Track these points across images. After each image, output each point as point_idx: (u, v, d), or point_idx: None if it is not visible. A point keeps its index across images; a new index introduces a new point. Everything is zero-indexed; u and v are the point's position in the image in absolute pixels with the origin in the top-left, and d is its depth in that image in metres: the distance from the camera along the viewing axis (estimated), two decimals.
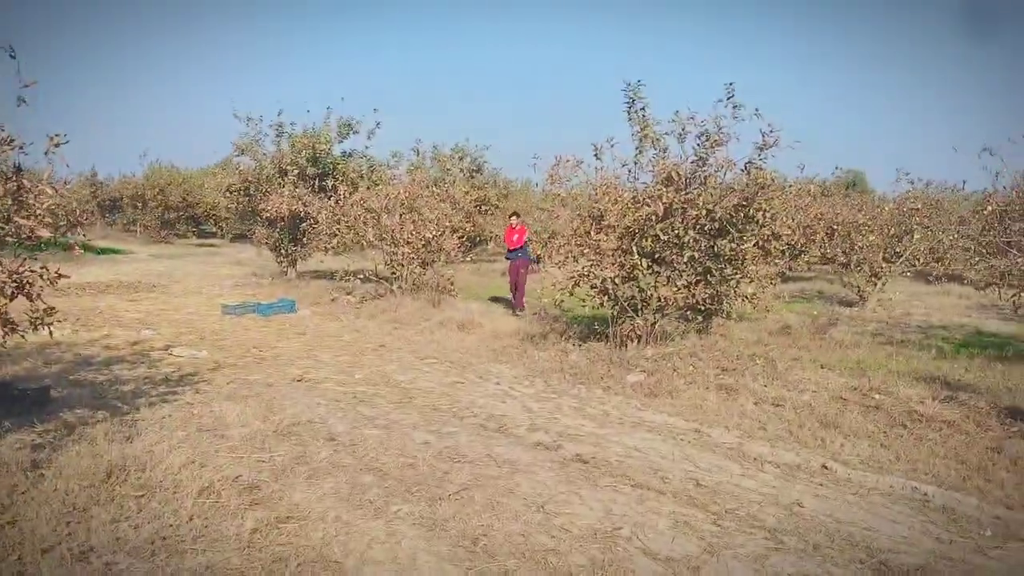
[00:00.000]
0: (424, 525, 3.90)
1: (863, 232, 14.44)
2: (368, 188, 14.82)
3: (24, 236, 4.46)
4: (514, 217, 13.68)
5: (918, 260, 14.80)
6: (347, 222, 13.70)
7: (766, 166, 8.59)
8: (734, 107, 8.34)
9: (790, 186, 11.65)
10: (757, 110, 8.32)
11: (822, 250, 15.72)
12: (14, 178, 4.42)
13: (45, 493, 3.81)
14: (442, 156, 23.96)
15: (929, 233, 14.57)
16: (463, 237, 18.19)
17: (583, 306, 9.16)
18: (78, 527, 3.52)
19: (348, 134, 17.31)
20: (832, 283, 17.64)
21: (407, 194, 13.60)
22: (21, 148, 4.46)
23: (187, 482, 4.11)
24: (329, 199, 14.89)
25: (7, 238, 4.49)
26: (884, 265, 14.31)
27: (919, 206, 14.54)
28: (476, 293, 14.82)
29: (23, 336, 4.47)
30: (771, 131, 8.37)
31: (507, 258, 13.57)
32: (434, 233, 13.08)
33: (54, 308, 4.63)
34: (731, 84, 8.36)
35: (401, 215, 13.23)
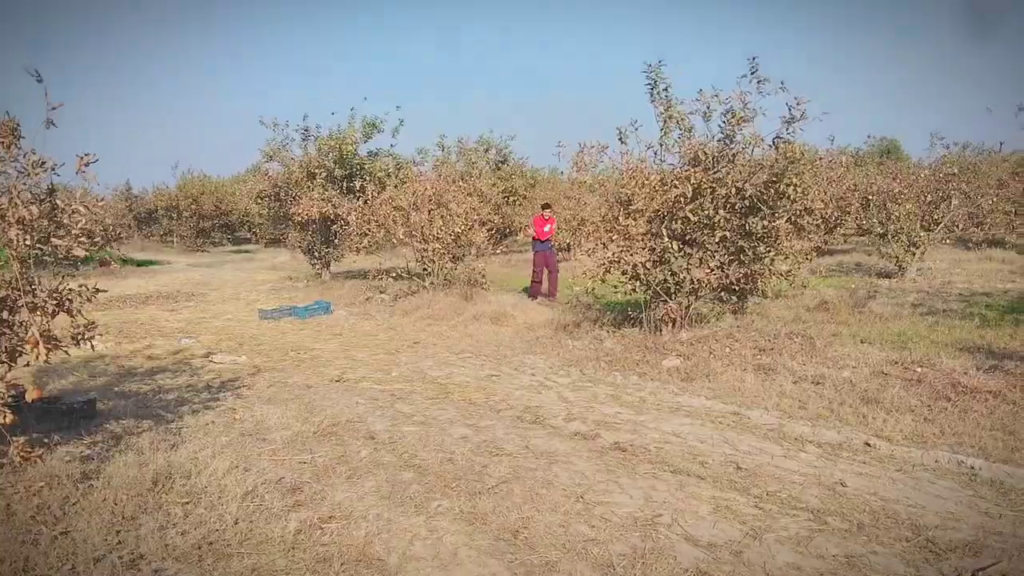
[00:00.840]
0: (465, 519, 3.93)
1: (899, 201, 14.15)
2: (396, 186, 14.88)
3: (60, 256, 4.58)
4: (547, 209, 13.75)
5: (957, 226, 14.48)
6: (377, 221, 13.78)
7: (795, 139, 8.45)
8: (758, 82, 8.19)
9: (820, 158, 11.47)
10: (783, 83, 8.17)
11: (857, 221, 15.47)
12: (48, 199, 4.53)
13: (95, 503, 3.90)
14: (467, 149, 23.99)
15: (967, 199, 14.24)
16: (492, 229, 18.20)
17: (616, 293, 9.11)
18: (127, 535, 3.61)
19: (373, 133, 17.39)
20: (870, 254, 17.29)
21: (434, 190, 13.64)
22: (53, 169, 4.56)
23: (231, 487, 4.18)
24: (358, 199, 15.01)
25: (46, 258, 4.61)
26: (922, 234, 14.01)
27: (956, 171, 14.20)
28: (508, 285, 14.83)
29: (66, 352, 4.57)
30: (797, 104, 8.21)
31: (536, 250, 13.56)
32: (463, 227, 13.10)
33: (94, 323, 4.73)
34: (754, 58, 8.22)
35: (429, 211, 13.27)
